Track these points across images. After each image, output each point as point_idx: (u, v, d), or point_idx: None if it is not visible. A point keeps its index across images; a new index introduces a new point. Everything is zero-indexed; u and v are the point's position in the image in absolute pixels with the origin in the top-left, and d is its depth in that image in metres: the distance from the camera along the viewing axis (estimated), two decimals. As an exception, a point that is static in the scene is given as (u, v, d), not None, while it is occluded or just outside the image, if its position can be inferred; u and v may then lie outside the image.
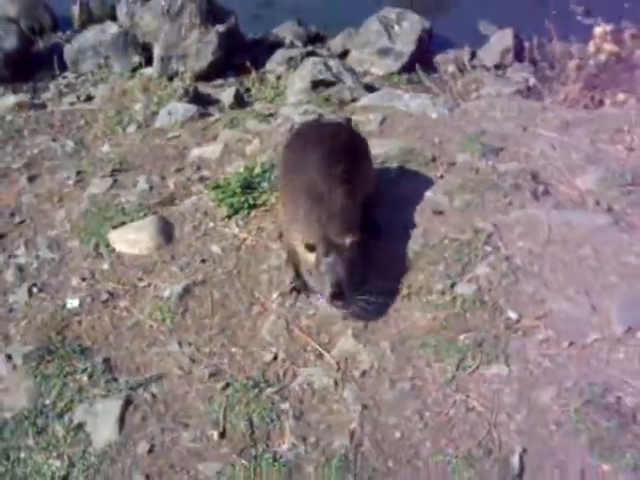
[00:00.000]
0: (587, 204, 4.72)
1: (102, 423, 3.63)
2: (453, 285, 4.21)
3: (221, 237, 4.66)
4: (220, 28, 8.50)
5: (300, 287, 4.29)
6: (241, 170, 4.93)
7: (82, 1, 9.70)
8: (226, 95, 6.39)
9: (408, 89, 7.55)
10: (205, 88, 7.06)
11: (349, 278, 3.92)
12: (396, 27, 8.68)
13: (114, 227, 4.73)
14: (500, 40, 8.54)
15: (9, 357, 4.03)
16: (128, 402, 3.74)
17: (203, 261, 4.52)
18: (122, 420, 3.65)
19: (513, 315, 4.00)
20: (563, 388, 3.62)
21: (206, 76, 8.32)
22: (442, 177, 4.93)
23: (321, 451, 3.47)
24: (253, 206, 4.78)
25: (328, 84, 7.52)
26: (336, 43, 9.10)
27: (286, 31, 9.39)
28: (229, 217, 4.76)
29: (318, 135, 4.42)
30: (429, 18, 8.92)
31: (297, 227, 4.15)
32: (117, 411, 3.67)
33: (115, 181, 5.20)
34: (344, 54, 8.93)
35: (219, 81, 8.26)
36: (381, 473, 3.33)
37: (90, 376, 3.90)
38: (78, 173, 5.34)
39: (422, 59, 8.28)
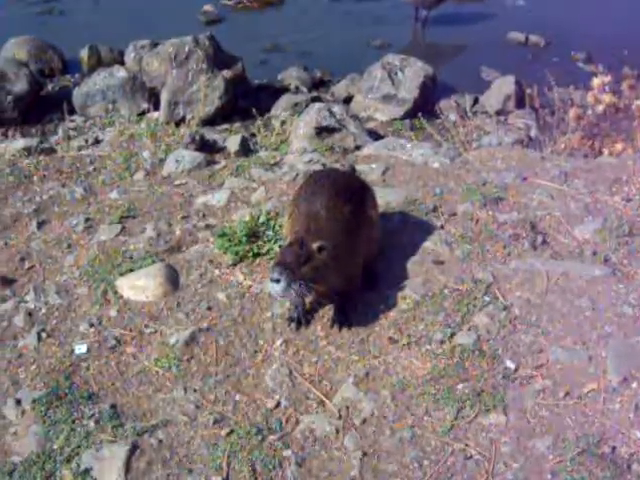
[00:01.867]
0: (585, 255, 4.88)
1: (108, 468, 3.76)
2: (452, 335, 4.36)
3: (226, 285, 4.81)
4: (227, 74, 8.75)
5: (299, 316, 4.55)
6: (246, 219, 5.10)
7: (91, 45, 9.87)
8: (232, 142, 6.60)
9: (411, 136, 7.75)
10: (211, 134, 7.27)
11: (296, 264, 4.12)
12: (399, 73, 8.92)
13: (122, 274, 4.88)
14: (501, 86, 8.77)
15: (18, 402, 4.18)
16: (134, 447, 3.87)
17: (209, 308, 4.67)
18: (128, 465, 3.79)
19: (511, 365, 4.15)
20: (559, 438, 3.75)
21: (213, 121, 8.55)
22: (443, 227, 5.10)
23: None
24: (257, 254, 4.94)
25: (332, 130, 7.73)
26: (340, 88, 9.34)
27: (291, 76, 9.64)
28: (234, 265, 4.93)
29: (329, 180, 4.70)
30: (432, 64, 9.16)
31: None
32: (123, 456, 3.80)
33: (123, 228, 5.38)
34: (348, 99, 9.15)
35: (225, 126, 8.49)
36: None
37: (97, 421, 4.04)
38: (87, 220, 5.52)
39: (426, 105, 8.49)
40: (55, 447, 3.93)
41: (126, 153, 6.48)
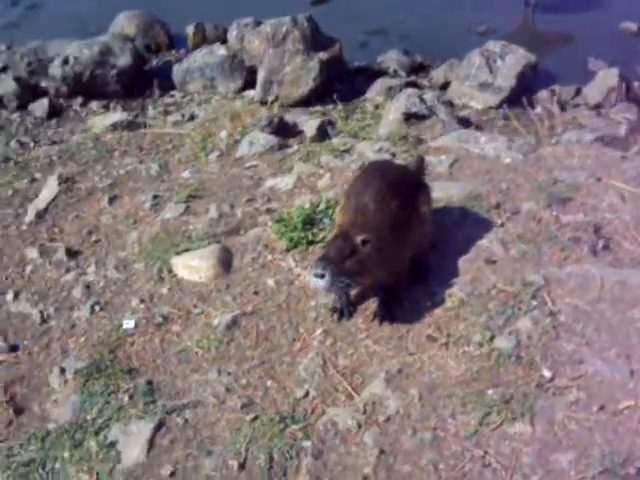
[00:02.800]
0: None
1: (133, 443, 3.91)
2: (492, 338, 4.29)
3: (277, 270, 4.88)
4: (323, 55, 8.75)
5: (342, 307, 4.58)
6: (306, 205, 5.13)
7: (197, 22, 10.07)
8: (309, 127, 6.62)
9: (500, 126, 7.57)
10: (295, 116, 7.30)
11: (338, 258, 4.13)
12: (498, 61, 8.71)
13: (178, 253, 5.01)
14: (605, 78, 8.43)
15: (63, 371, 4.38)
16: (160, 425, 4.01)
17: (256, 293, 4.75)
18: (152, 442, 3.93)
19: (547, 373, 4.05)
20: (584, 453, 3.66)
21: (306, 102, 8.57)
22: (502, 225, 5.00)
23: None
24: (312, 242, 4.98)
25: (421, 117, 7.64)
26: (438, 74, 9.20)
27: (390, 59, 9.56)
28: (287, 251, 4.99)
29: (382, 173, 4.72)
30: (536, 52, 8.88)
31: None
32: (148, 433, 3.94)
33: (188, 207, 5.52)
34: (445, 85, 9.00)
35: (318, 108, 8.49)
36: None
37: (131, 396, 4.20)
38: (155, 197, 5.69)
39: (522, 94, 8.25)
40: (88, 418, 4.09)
41: (205, 133, 6.62)
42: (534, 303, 4.43)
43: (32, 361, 4.57)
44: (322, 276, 4.04)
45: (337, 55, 8.91)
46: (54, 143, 7.08)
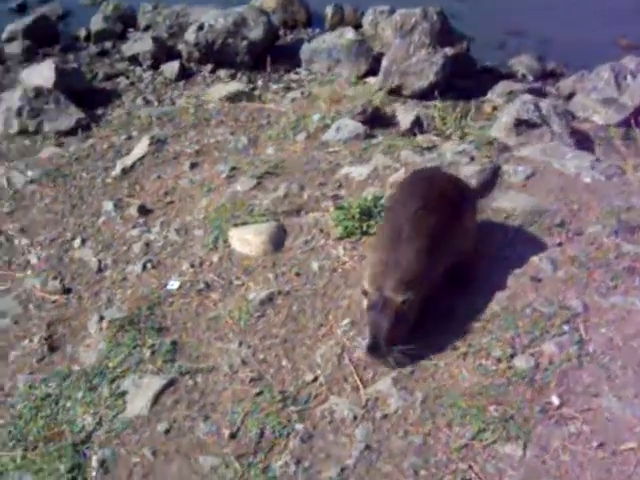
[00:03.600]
0: None
1: (140, 396, 4.17)
2: (512, 356, 4.28)
3: (325, 256, 5.02)
4: (449, 51, 8.75)
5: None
6: (369, 197, 5.25)
7: (336, 3, 10.27)
8: (404, 120, 6.68)
9: (620, 145, 7.37)
10: (403, 108, 7.38)
11: (389, 334, 4.16)
12: (629, 78, 8.43)
13: (236, 225, 5.24)
14: None
15: (101, 319, 4.69)
16: (170, 383, 4.26)
17: (297, 274, 4.91)
18: (157, 398, 4.18)
19: (556, 400, 4.02)
20: None
21: (424, 95, 8.61)
22: (560, 245, 4.93)
23: (307, 476, 3.75)
24: (365, 233, 5.08)
25: (532, 125, 7.54)
26: (566, 84, 9.01)
27: (521, 63, 9.43)
28: (340, 239, 5.11)
29: (424, 183, 4.65)
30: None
31: (366, 267, 4.49)
32: (156, 389, 4.20)
33: (259, 183, 5.74)
34: (571, 96, 8.81)
35: (434, 102, 8.52)
36: None
37: (153, 353, 4.46)
38: (232, 169, 5.94)
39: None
40: (110, 365, 4.38)
41: (301, 113, 6.78)
42: (565, 328, 4.36)
43: (79, 305, 4.89)
44: (376, 356, 4.20)
45: (463, 52, 8.87)
46: (173, 104, 7.39)
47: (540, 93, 8.67)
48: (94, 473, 3.82)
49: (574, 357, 4.19)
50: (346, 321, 4.53)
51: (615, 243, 4.88)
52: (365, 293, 4.27)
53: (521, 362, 4.19)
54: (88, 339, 4.59)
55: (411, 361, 4.23)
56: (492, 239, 4.98)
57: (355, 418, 3.99)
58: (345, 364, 4.31)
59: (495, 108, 8.25)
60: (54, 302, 4.90)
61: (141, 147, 6.32)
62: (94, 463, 3.86)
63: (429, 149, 5.99)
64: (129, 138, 6.72)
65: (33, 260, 5.30)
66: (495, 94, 8.63)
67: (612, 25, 10.10)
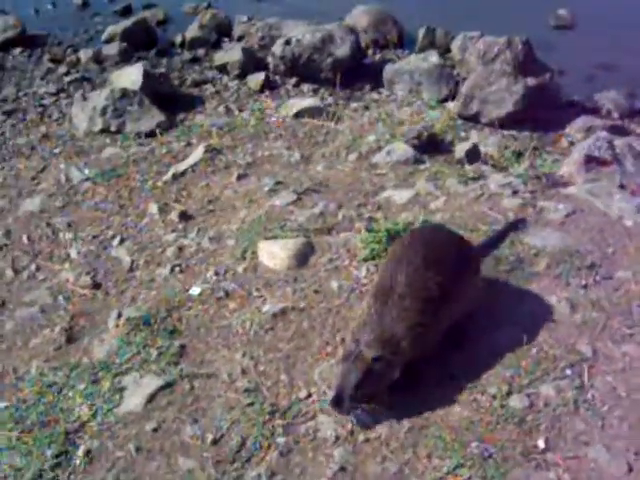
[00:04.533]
0: None
1: (137, 394, 4.40)
2: (509, 394, 4.30)
3: (346, 276, 5.14)
4: (530, 81, 8.73)
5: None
6: (400, 222, 5.36)
7: (429, 27, 10.37)
8: (459, 149, 6.74)
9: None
10: (469, 136, 7.42)
11: (354, 390, 4.06)
12: None
13: (267, 238, 5.44)
14: None
15: (119, 315, 4.96)
16: (167, 385, 4.46)
17: (316, 292, 5.05)
18: (152, 397, 4.39)
19: (542, 444, 4.02)
20: None
21: (501, 124, 8.63)
22: (585, 287, 4.91)
23: None
24: (390, 257, 5.16)
25: (602, 162, 7.46)
26: (653, 123, 8.84)
27: (607, 99, 9.30)
28: (365, 260, 5.22)
29: (424, 244, 4.58)
30: None
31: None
32: (152, 389, 4.42)
33: (299, 199, 5.90)
34: (656, 137, 8.63)
35: (512, 132, 8.54)
36: None
37: (160, 354, 4.67)
38: (277, 183, 6.13)
39: None
40: (116, 362, 4.61)
41: (357, 133, 6.93)
42: (568, 372, 4.35)
43: (105, 301, 5.16)
44: (338, 410, 4.14)
45: (546, 84, 8.83)
46: (236, 115, 7.69)
47: (622, 131, 8.51)
48: (78, 462, 4.03)
49: (571, 402, 4.18)
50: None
51: (642, 291, 4.77)
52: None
53: (515, 402, 4.20)
54: (104, 334, 4.82)
55: (373, 422, 4.20)
56: (515, 275, 4.93)
57: (337, 439, 4.07)
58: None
59: (572, 143, 8.14)
60: (82, 296, 5.17)
61: (196, 155, 6.57)
62: (80, 452, 4.05)
63: (474, 179, 6.01)
64: (188, 145, 7.00)
65: (73, 254, 5.61)
66: (574, 129, 8.55)
67: None
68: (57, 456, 4.03)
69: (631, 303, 4.72)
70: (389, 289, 4.30)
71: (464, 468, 3.87)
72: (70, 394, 4.38)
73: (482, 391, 4.25)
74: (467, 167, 6.27)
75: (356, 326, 4.30)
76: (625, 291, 4.81)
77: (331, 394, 4.12)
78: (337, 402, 4.06)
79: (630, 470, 3.80)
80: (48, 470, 4.02)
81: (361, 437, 4.11)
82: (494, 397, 4.19)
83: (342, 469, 3.92)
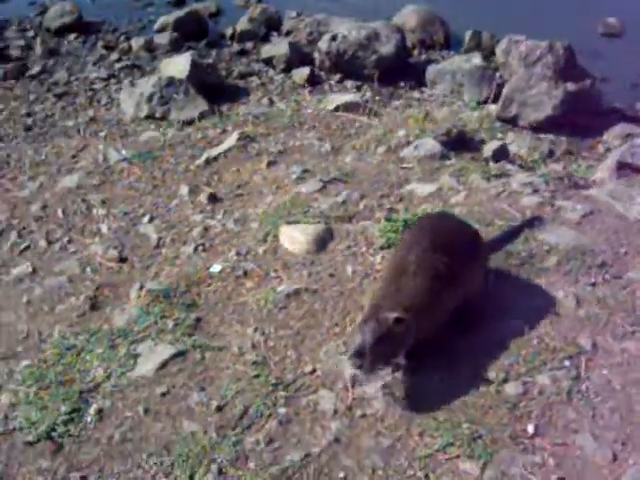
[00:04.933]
0: None
1: (150, 360, 4.69)
2: (505, 381, 4.48)
3: (361, 262, 5.37)
4: (570, 86, 8.87)
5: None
6: (419, 212, 5.59)
7: (475, 30, 10.55)
8: (487, 148, 6.93)
9: None
10: (502, 138, 7.60)
11: (373, 350, 4.21)
12: None
13: (289, 222, 5.71)
14: None
15: (141, 287, 5.26)
16: (180, 354, 4.73)
17: (331, 275, 5.29)
18: (164, 364, 4.67)
19: (531, 430, 4.20)
20: None
21: (538, 128, 8.79)
22: (593, 285, 5.06)
23: (273, 456, 4.16)
24: (406, 246, 5.38)
25: (635, 169, 7.59)
26: (693, 133, 8.89)
27: (653, 108, 9.37)
28: (382, 249, 5.45)
29: (435, 225, 4.83)
30: None
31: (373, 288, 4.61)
32: (165, 356, 4.69)
33: (324, 187, 6.15)
34: (697, 146, 8.69)
35: (549, 136, 8.69)
36: None
37: (176, 325, 4.96)
38: (304, 171, 6.39)
39: None
40: (134, 330, 4.92)
41: (389, 128, 7.17)
42: (566, 363, 4.51)
43: (130, 274, 5.47)
44: (359, 367, 4.29)
45: (587, 90, 8.94)
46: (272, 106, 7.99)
47: (663, 139, 8.55)
48: (89, 419, 4.31)
49: (565, 392, 4.32)
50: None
51: (649, 289, 4.90)
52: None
53: (510, 388, 4.38)
54: (125, 305, 5.12)
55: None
56: (525, 269, 5.13)
57: (335, 412, 4.30)
58: (345, 363, 4.58)
59: (608, 150, 8.26)
60: (109, 268, 5.48)
61: (229, 142, 6.87)
62: (92, 410, 4.35)
63: (497, 176, 6.18)
64: (223, 132, 7.30)
65: (104, 229, 5.93)
66: (611, 135, 8.66)
67: None
68: (70, 412, 4.30)
69: (636, 302, 4.82)
70: (402, 269, 4.50)
71: (453, 447, 4.05)
72: (88, 357, 4.66)
73: (480, 376, 4.38)
74: (492, 165, 6.41)
75: (372, 299, 4.49)
76: (632, 290, 4.95)
77: (351, 349, 4.27)
78: (358, 355, 4.22)
79: (615, 459, 3.93)
80: (61, 424, 4.25)
81: (358, 412, 4.29)
82: (490, 383, 4.34)
83: (337, 440, 4.11)
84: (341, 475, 4.00)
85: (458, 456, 3.99)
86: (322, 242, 5.42)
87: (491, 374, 4.43)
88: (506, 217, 5.62)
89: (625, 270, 5.11)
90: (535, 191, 5.93)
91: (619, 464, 3.91)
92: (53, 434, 4.30)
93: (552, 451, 4.00)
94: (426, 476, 3.93)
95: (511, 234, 5.22)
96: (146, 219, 5.94)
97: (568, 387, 4.33)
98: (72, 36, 10.81)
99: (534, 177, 6.14)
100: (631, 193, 5.94)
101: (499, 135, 7.89)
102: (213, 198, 6.08)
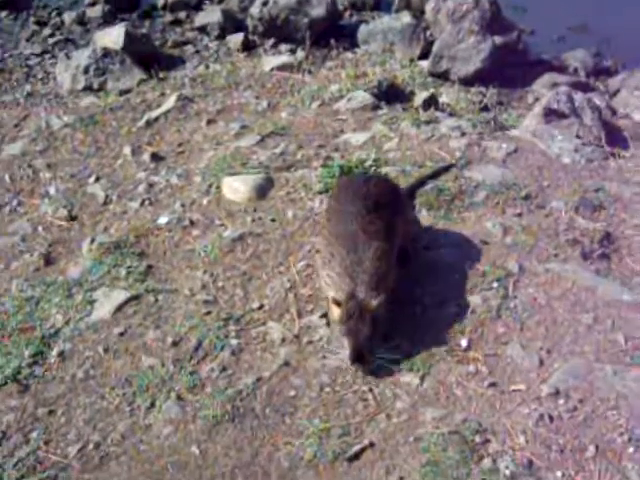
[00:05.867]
0: (633, 282, 5.08)
1: (106, 305, 5.03)
2: (442, 303, 4.92)
3: (301, 206, 5.78)
4: (497, 40, 9.37)
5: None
6: (353, 159, 6.04)
7: (403, -12, 10.98)
8: (418, 98, 7.40)
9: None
10: (434, 90, 8.07)
11: (369, 341, 4.44)
12: (677, 78, 8.85)
13: (230, 174, 6.11)
14: None
15: (93, 241, 5.63)
16: (134, 297, 5.08)
17: (273, 220, 5.67)
18: (120, 307, 5.02)
19: (464, 343, 4.65)
20: (449, 414, 4.30)
21: (469, 81, 9.28)
22: (519, 215, 5.55)
23: (227, 382, 4.57)
24: (342, 190, 5.82)
25: (561, 115, 8.11)
26: (615, 81, 9.44)
27: (575, 58, 9.90)
28: (320, 193, 5.89)
29: (361, 190, 5.05)
30: None
31: (329, 275, 4.68)
32: (120, 301, 5.04)
33: (262, 140, 6.55)
34: (617, 93, 9.29)
35: (480, 89, 9.18)
36: (258, 418, 4.36)
37: (128, 272, 5.31)
38: (243, 127, 6.78)
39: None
40: (88, 279, 5.28)
41: (322, 83, 7.60)
42: (495, 285, 4.98)
43: (81, 231, 5.79)
44: (362, 367, 4.53)
45: (513, 42, 9.43)
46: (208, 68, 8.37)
47: (586, 88, 9.13)
48: (52, 360, 4.67)
49: (494, 310, 4.79)
50: (302, 263, 5.25)
51: (570, 218, 5.44)
52: (337, 303, 4.50)
53: (446, 309, 4.83)
54: (78, 258, 5.45)
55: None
56: (456, 204, 5.62)
57: (284, 340, 4.72)
58: (290, 298, 5.02)
59: (537, 99, 8.78)
60: (60, 227, 5.82)
61: (168, 103, 7.23)
62: (54, 352, 4.71)
63: (427, 123, 6.65)
64: (162, 95, 7.64)
65: (52, 191, 6.26)
66: (539, 85, 9.16)
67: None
68: (34, 356, 4.66)
69: (558, 228, 5.34)
70: (353, 240, 4.75)
71: (394, 362, 4.50)
72: (46, 306, 5.01)
73: (417, 301, 4.87)
74: (422, 113, 6.89)
75: (337, 284, 4.64)
76: (555, 219, 5.45)
77: (347, 353, 4.47)
78: (358, 359, 4.43)
79: (541, 364, 4.43)
80: (26, 367, 4.61)
81: (305, 339, 4.71)
82: (427, 307, 4.83)
83: (286, 364, 4.54)
84: (292, 393, 4.37)
85: (399, 370, 4.41)
86: (263, 190, 5.83)
87: (427, 299, 4.83)
88: (436, 159, 6.08)
89: (548, 201, 5.62)
90: (463, 134, 6.41)
91: (545, 368, 4.38)
92: (19, 377, 4.61)
93: (484, 361, 4.46)
94: (370, 390, 4.36)
95: (422, 182, 5.76)
96: (92, 179, 6.28)
97: (497, 305, 4.78)
98: (3, 14, 10.98)
99: (462, 121, 6.63)
100: (553, 132, 6.47)
101: (431, 90, 8.33)
102: (156, 157, 6.43)
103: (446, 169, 5.88)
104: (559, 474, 3.86)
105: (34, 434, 4.28)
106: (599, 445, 3.98)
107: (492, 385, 4.40)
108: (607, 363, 4.40)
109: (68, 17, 10.55)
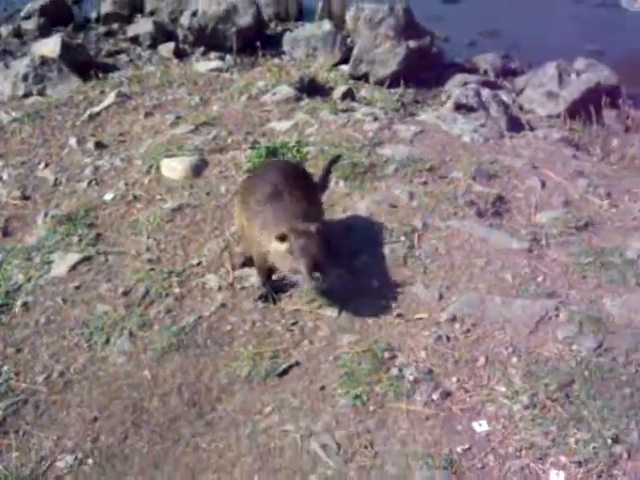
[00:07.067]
0: (521, 233, 6.19)
1: (62, 264, 5.81)
2: (355, 255, 5.82)
3: (232, 182, 6.74)
4: (412, 44, 10.51)
5: (267, 294, 5.47)
6: (277, 142, 7.07)
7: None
8: (337, 92, 8.48)
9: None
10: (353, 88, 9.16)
11: (323, 255, 4.96)
12: (572, 76, 10.08)
13: (168, 156, 7.07)
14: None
15: (46, 214, 6.51)
16: (87, 258, 5.93)
17: (207, 194, 6.57)
18: (74, 267, 5.87)
19: (375, 283, 5.49)
20: (363, 337, 5.18)
21: (386, 83, 10.40)
22: (424, 183, 6.60)
23: (172, 321, 5.48)
24: (268, 167, 6.81)
25: (469, 108, 9.26)
26: (521, 80, 10.62)
27: (484, 60, 11.05)
28: (249, 171, 6.87)
29: (281, 168, 5.68)
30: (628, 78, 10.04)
31: (266, 228, 5.21)
32: (75, 261, 5.89)
33: (196, 128, 7.50)
34: (522, 91, 10.51)
35: (398, 90, 10.28)
36: (200, 347, 5.24)
37: (80, 240, 6.17)
38: (178, 118, 7.73)
39: (585, 109, 9.58)
40: (45, 245, 6.17)
41: (249, 81, 8.64)
42: (402, 239, 5.95)
43: (34, 208, 6.60)
44: (323, 277, 5.03)
45: (426, 47, 10.58)
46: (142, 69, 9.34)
47: (495, 86, 10.32)
48: (16, 310, 5.53)
49: (401, 258, 5.78)
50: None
51: (468, 184, 6.52)
52: (282, 237, 5.01)
53: (360, 260, 5.83)
54: (34, 229, 6.26)
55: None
56: (368, 176, 6.57)
57: (220, 288, 5.62)
58: (225, 256, 5.99)
59: (449, 97, 9.95)
60: (15, 205, 6.70)
61: (109, 100, 8.16)
62: (18, 304, 5.59)
63: (344, 111, 7.71)
64: (102, 93, 8.58)
65: (4, 177, 7.11)
66: (452, 85, 10.32)
67: (584, 32, 11.78)
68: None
69: (457, 193, 6.41)
70: (276, 192, 5.46)
71: (315, 302, 5.47)
72: (8, 268, 5.85)
73: (335, 254, 5.86)
74: (339, 103, 7.98)
75: (272, 219, 5.28)
76: (455, 186, 6.49)
77: (303, 270, 4.98)
78: (317, 269, 4.96)
79: (441, 298, 5.38)
80: (-8, 316, 5.44)
81: (238, 286, 5.66)
82: (343, 256, 5.84)
83: (223, 305, 5.43)
84: (228, 328, 5.24)
85: (320, 307, 5.38)
86: (198, 169, 6.79)
87: (342, 250, 5.84)
88: (351, 140, 7.09)
89: (449, 172, 6.65)
90: (375, 119, 7.46)
91: (444, 301, 5.31)
92: (-14, 325, 5.17)
93: (393, 296, 5.38)
94: (295, 322, 5.28)
95: (326, 172, 6.48)
96: (42, 165, 7.13)
97: (404, 255, 5.74)
98: (-61, 29, 11.75)
99: (375, 109, 7.69)
100: (455, 116, 7.58)
101: (349, 85, 9.42)
102: (100, 145, 7.32)
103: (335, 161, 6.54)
104: (454, 379, 4.74)
105: (5, 368, 5.00)
106: (489, 357, 4.86)
107: (399, 315, 5.23)
108: (497, 295, 5.29)
109: (5, 30, 11.34)
